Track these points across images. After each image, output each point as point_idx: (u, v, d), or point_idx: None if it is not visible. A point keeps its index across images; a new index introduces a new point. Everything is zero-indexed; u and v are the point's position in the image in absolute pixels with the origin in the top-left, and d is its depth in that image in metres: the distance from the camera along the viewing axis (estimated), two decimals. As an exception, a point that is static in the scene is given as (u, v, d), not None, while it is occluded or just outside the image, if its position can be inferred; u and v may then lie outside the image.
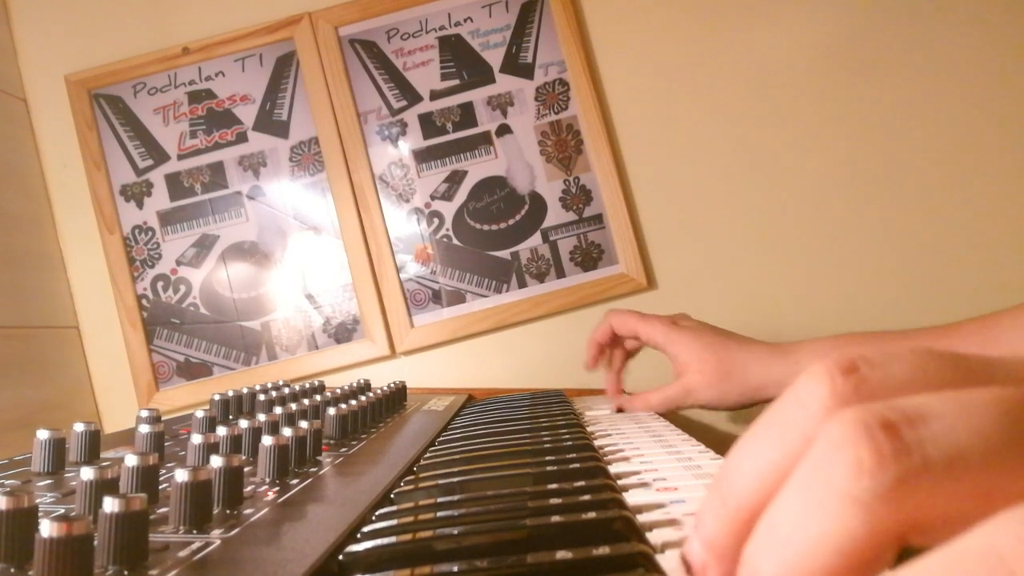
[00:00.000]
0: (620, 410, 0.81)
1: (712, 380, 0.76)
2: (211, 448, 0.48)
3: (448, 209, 1.20)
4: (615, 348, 0.88)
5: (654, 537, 0.34)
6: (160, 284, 1.20)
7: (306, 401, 0.67)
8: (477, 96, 1.21)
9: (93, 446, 0.52)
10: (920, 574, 0.15)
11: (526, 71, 1.21)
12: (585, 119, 1.19)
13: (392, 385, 0.85)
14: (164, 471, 0.47)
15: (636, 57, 1.21)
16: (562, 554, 0.30)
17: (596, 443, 0.58)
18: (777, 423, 0.20)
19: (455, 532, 0.36)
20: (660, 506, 0.40)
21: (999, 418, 0.16)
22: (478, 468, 0.50)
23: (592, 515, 0.35)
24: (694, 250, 1.18)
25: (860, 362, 0.19)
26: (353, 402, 0.66)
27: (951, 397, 0.17)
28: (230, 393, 0.75)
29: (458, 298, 1.18)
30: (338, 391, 0.79)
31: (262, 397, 0.74)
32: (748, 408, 0.79)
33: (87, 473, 0.37)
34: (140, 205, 1.22)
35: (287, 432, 0.49)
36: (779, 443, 0.19)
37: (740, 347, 0.77)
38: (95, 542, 0.28)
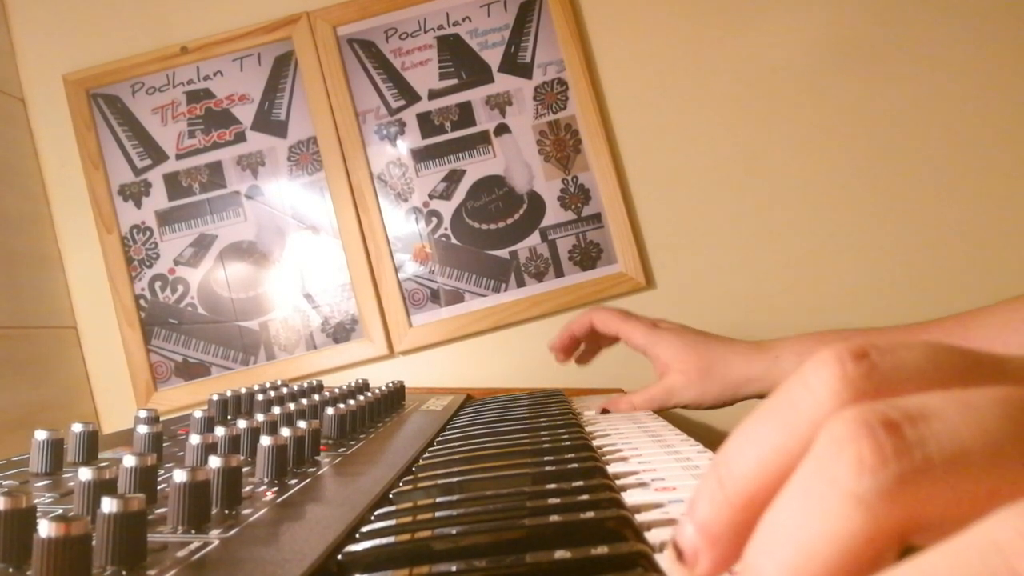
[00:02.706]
0: (605, 411, 0.81)
1: (693, 378, 0.76)
2: (209, 448, 0.48)
3: (447, 208, 1.20)
4: (591, 343, 0.88)
5: (652, 537, 0.34)
6: (158, 284, 1.20)
7: (304, 401, 0.67)
8: (475, 96, 1.21)
9: (91, 446, 0.52)
10: (920, 569, 0.15)
11: (524, 71, 1.21)
12: (583, 118, 1.19)
13: (390, 385, 0.85)
14: (162, 471, 0.47)
15: (634, 56, 1.21)
16: (561, 554, 0.30)
17: (594, 443, 0.58)
18: (782, 407, 0.19)
19: (454, 532, 0.36)
20: (658, 506, 0.40)
21: (1004, 417, 0.16)
22: (477, 468, 0.50)
23: (590, 515, 0.35)
24: (693, 249, 1.18)
25: (871, 349, 0.19)
26: (351, 402, 0.66)
27: (955, 395, 0.17)
28: (228, 393, 0.75)
29: (456, 297, 1.18)
30: (336, 391, 0.79)
31: (260, 397, 0.74)
32: (730, 406, 0.79)
33: (85, 473, 0.37)
34: (138, 205, 1.22)
35: (285, 432, 0.49)
36: (783, 427, 0.19)
37: (719, 345, 0.78)
38: (93, 542, 0.28)
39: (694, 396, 0.77)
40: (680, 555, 0.20)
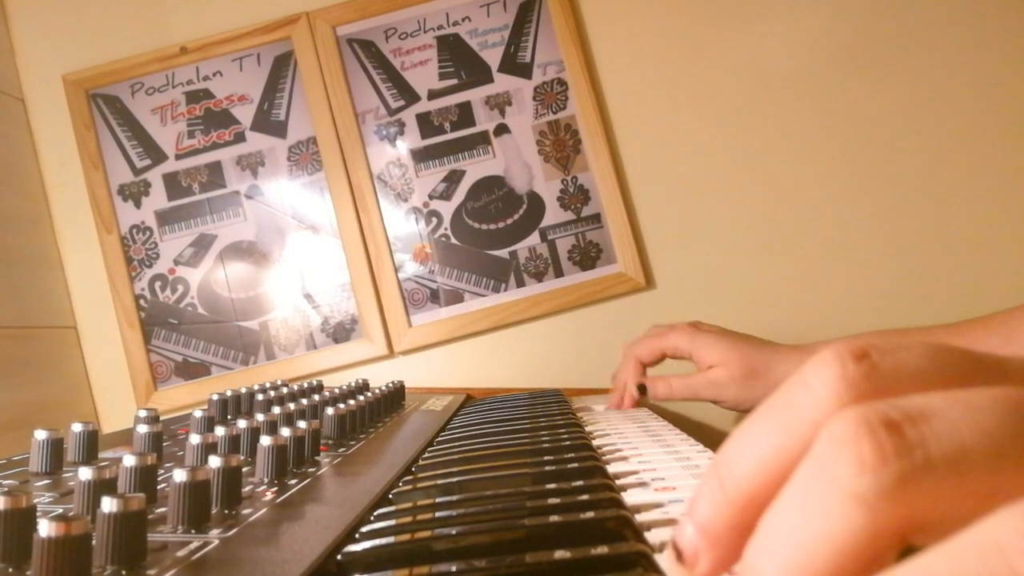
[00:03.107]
0: (642, 388, 0.79)
1: (737, 377, 0.76)
2: (209, 448, 0.48)
3: (446, 208, 1.20)
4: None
5: (652, 536, 0.34)
6: (158, 284, 1.20)
7: (304, 401, 0.67)
8: (475, 96, 1.21)
9: (91, 446, 0.52)
10: (920, 569, 0.15)
11: (524, 71, 1.21)
12: (583, 118, 1.19)
13: (390, 385, 0.85)
14: (162, 471, 0.47)
15: (634, 56, 1.21)
16: (560, 554, 0.30)
17: (594, 443, 0.58)
18: (782, 407, 0.19)
19: (453, 532, 0.36)
20: (658, 505, 0.40)
21: (1004, 417, 0.16)
22: (476, 468, 0.50)
23: (590, 515, 0.35)
24: (692, 249, 1.18)
25: (871, 349, 0.19)
26: (351, 402, 0.66)
27: (956, 395, 0.17)
28: (228, 393, 0.75)
29: (456, 298, 1.18)
30: (336, 391, 0.79)
31: (260, 397, 0.74)
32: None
33: (85, 473, 0.37)
34: (138, 205, 1.22)
35: (285, 432, 0.49)
36: (783, 428, 0.19)
37: (764, 348, 0.77)
38: (93, 542, 0.28)
39: (735, 395, 0.76)
40: (680, 555, 0.20)
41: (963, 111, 1.18)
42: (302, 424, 0.51)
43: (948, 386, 0.18)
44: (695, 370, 0.80)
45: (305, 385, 0.87)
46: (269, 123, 1.22)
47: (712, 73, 1.21)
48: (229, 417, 0.73)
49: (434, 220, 1.19)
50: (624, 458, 0.53)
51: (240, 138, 1.22)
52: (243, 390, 0.77)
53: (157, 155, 1.22)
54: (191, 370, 1.19)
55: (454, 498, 0.43)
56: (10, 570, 0.30)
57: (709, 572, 0.20)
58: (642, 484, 0.45)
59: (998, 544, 0.14)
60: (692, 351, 0.79)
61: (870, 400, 0.18)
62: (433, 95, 1.21)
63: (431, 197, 1.20)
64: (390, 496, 0.45)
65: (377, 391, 0.78)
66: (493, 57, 1.21)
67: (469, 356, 1.18)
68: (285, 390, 0.79)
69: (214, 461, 0.39)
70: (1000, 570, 0.13)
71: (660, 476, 0.46)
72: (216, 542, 0.34)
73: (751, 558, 0.18)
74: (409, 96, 1.22)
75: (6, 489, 0.37)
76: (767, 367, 0.75)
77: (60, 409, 1.12)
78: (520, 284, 1.18)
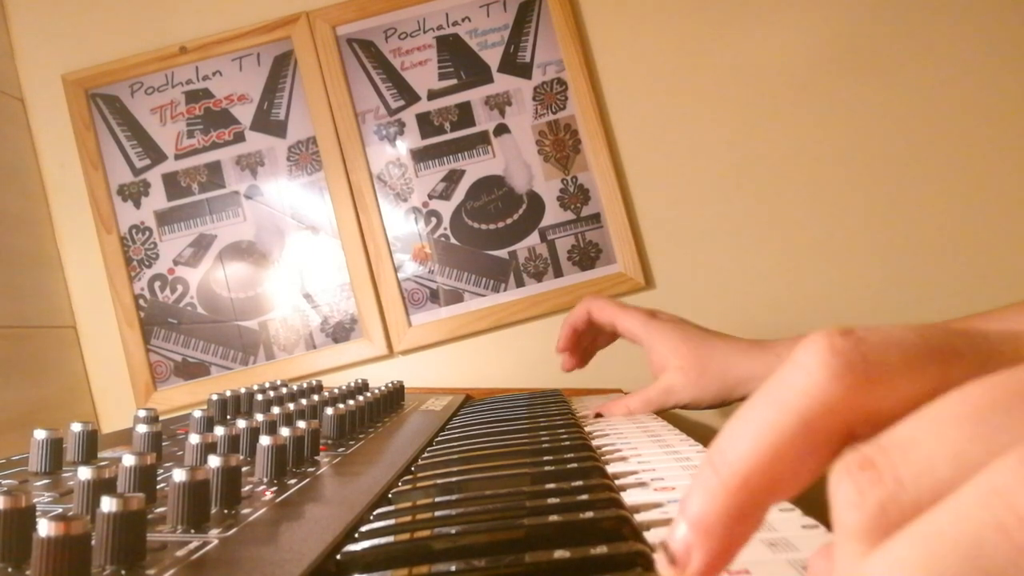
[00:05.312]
0: (598, 416, 0.79)
1: (692, 377, 0.74)
2: (209, 448, 0.48)
3: (446, 208, 1.20)
4: (588, 336, 0.87)
5: (651, 536, 0.34)
6: (157, 284, 1.20)
7: (304, 401, 0.67)
8: (475, 96, 1.21)
9: (91, 446, 0.52)
10: (927, 526, 0.15)
11: (524, 71, 1.21)
12: (583, 118, 1.19)
13: (390, 385, 0.85)
14: (162, 471, 0.47)
15: (634, 56, 1.21)
16: (560, 553, 0.30)
17: (594, 443, 0.58)
18: (774, 388, 0.19)
19: (453, 532, 0.36)
20: (658, 505, 0.40)
21: (971, 431, 0.16)
22: (476, 468, 0.50)
23: (590, 514, 0.35)
24: (692, 249, 1.18)
25: (856, 326, 0.19)
26: (351, 402, 0.66)
27: (921, 416, 0.17)
28: (228, 393, 0.75)
29: (456, 297, 1.18)
30: (336, 391, 0.79)
31: (260, 397, 0.74)
32: (728, 406, 0.77)
33: (85, 473, 0.37)
34: (137, 205, 1.22)
35: (285, 432, 0.49)
36: (775, 404, 0.19)
37: (718, 341, 0.76)
38: (93, 542, 0.28)
39: (692, 395, 0.75)
40: (672, 559, 0.20)
41: (961, 112, 1.18)
42: (301, 424, 0.51)
43: (933, 358, 0.18)
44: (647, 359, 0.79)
45: (304, 385, 0.87)
46: (269, 123, 1.22)
47: (712, 73, 1.21)
48: (228, 417, 0.73)
49: (433, 220, 1.19)
50: (623, 458, 0.53)
51: (240, 138, 1.22)
52: (243, 390, 0.77)
53: (157, 155, 1.22)
54: (190, 370, 1.19)
55: (453, 498, 0.43)
56: (10, 570, 0.30)
57: (703, 570, 0.20)
58: (641, 484, 0.45)
59: (997, 491, 0.14)
60: (644, 339, 0.77)
61: (860, 372, 0.18)
62: (433, 95, 1.22)
63: (431, 197, 1.20)
64: (389, 496, 0.45)
65: (376, 391, 0.78)
66: (493, 57, 1.22)
67: (468, 356, 1.18)
68: (285, 390, 0.79)
69: (213, 461, 0.39)
70: (1004, 515, 0.14)
71: (659, 476, 0.46)
72: (215, 542, 0.34)
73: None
74: (409, 96, 1.22)
75: (6, 489, 0.37)
76: (722, 361, 0.74)
77: (59, 409, 1.12)
78: (520, 284, 1.18)
